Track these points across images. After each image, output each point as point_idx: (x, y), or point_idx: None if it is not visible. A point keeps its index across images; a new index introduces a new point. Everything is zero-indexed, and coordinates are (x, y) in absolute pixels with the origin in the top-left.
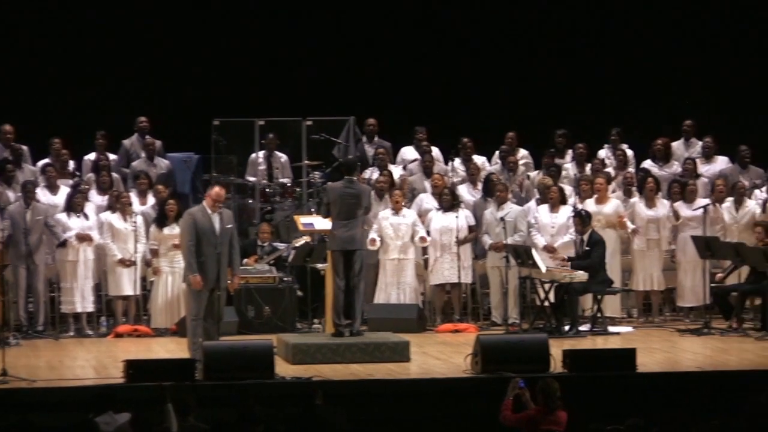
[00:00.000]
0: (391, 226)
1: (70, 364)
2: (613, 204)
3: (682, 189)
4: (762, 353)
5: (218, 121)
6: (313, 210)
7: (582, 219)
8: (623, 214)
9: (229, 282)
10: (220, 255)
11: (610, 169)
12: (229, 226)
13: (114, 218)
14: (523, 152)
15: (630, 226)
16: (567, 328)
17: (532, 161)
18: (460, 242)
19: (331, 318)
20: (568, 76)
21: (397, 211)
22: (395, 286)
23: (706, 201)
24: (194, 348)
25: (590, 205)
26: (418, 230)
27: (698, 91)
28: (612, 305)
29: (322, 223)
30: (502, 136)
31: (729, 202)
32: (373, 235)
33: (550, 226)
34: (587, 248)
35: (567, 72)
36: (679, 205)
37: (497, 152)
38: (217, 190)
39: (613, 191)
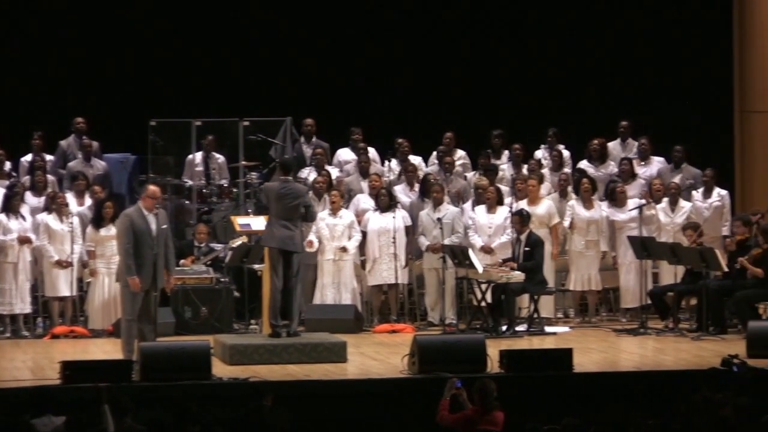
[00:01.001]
0: (327, 227)
1: (7, 366)
2: (546, 205)
3: (614, 191)
4: (698, 353)
5: (155, 122)
6: (250, 211)
7: (522, 218)
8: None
9: (165, 283)
10: (157, 256)
11: (546, 170)
12: (164, 226)
13: (50, 219)
14: (460, 153)
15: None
16: (504, 328)
17: (469, 162)
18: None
19: (268, 319)
20: (505, 77)
21: (334, 212)
22: (332, 287)
23: (641, 201)
24: (128, 349)
25: (523, 205)
26: (355, 232)
27: (634, 91)
28: (546, 306)
29: (259, 224)
30: (440, 136)
31: (664, 202)
32: (311, 236)
33: (487, 227)
34: (527, 249)
35: (504, 72)
36: (613, 211)
37: (434, 153)
38: (152, 188)
39: (549, 192)
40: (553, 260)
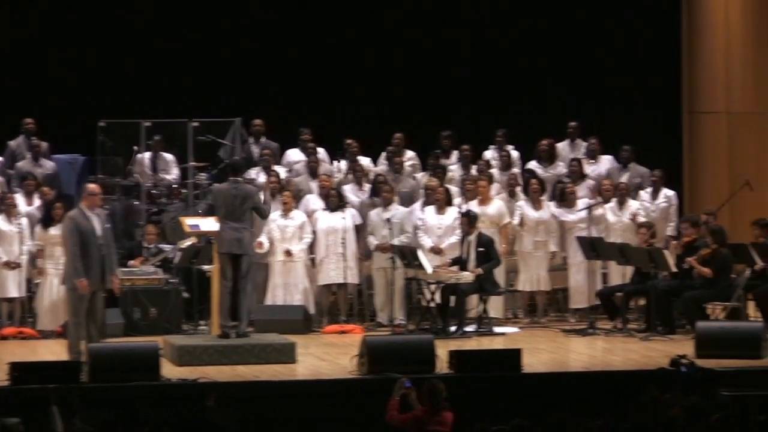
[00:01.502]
0: (278, 228)
1: None
2: (497, 205)
3: (563, 191)
4: (646, 353)
5: (104, 123)
6: (200, 211)
7: (469, 219)
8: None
9: (110, 283)
10: (104, 256)
11: (495, 170)
12: (107, 225)
13: None
14: (409, 153)
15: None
16: (453, 328)
17: (419, 162)
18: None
19: (218, 319)
20: (455, 77)
21: (286, 213)
22: (283, 288)
23: (590, 201)
24: (75, 351)
25: (473, 206)
26: (306, 233)
27: (583, 91)
28: (496, 306)
29: (208, 225)
30: (389, 137)
31: (613, 202)
32: (261, 237)
33: (436, 228)
34: (481, 249)
35: (454, 73)
36: (563, 212)
37: (384, 153)
38: (91, 186)
39: (498, 192)
40: (505, 258)
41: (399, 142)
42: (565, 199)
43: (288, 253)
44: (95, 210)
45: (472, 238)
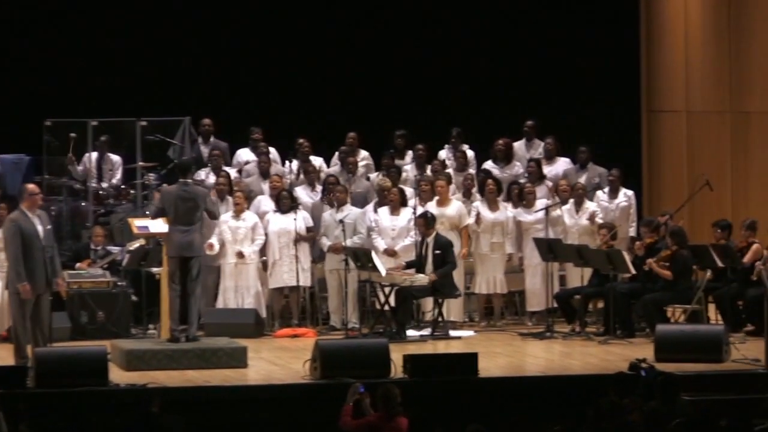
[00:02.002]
0: (230, 230)
1: None
2: (456, 206)
3: (521, 192)
4: (605, 357)
5: (50, 122)
6: (148, 213)
7: (427, 221)
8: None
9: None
10: (47, 259)
11: (450, 171)
12: (49, 227)
13: None
14: (363, 153)
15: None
16: (408, 332)
17: (372, 162)
18: (297, 241)
19: (167, 323)
20: (408, 76)
21: (237, 214)
22: (234, 291)
23: (546, 202)
24: (21, 355)
25: (432, 207)
26: (258, 235)
27: (539, 90)
28: (454, 309)
29: (157, 226)
30: (343, 136)
31: (570, 203)
32: (212, 239)
33: (390, 229)
34: (438, 251)
35: (408, 71)
36: (520, 211)
37: (337, 153)
38: (30, 186)
39: (453, 193)
40: (464, 260)
41: (352, 141)
42: (523, 199)
43: (240, 255)
44: (37, 211)
45: (430, 240)
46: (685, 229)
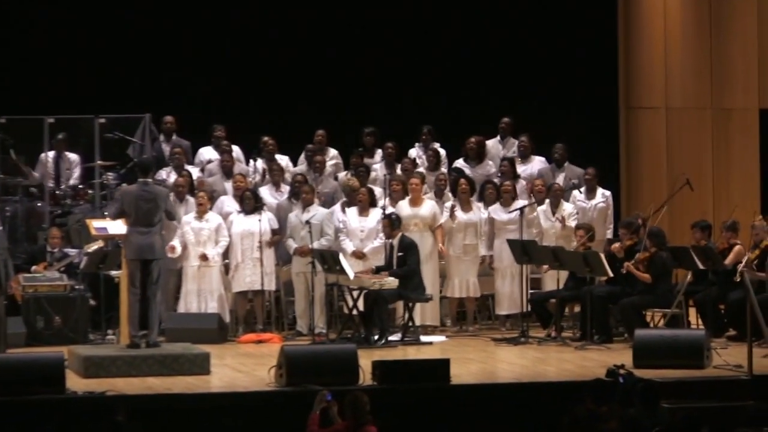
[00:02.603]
0: (192, 231)
1: None
2: (429, 205)
3: (497, 191)
4: (581, 363)
5: (4, 119)
6: (106, 214)
7: (391, 222)
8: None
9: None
10: (1, 261)
11: (421, 170)
12: (0, 228)
13: None
14: (333, 152)
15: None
16: (376, 337)
17: (341, 161)
18: (264, 244)
19: (126, 328)
20: (378, 71)
21: (200, 215)
22: (197, 294)
23: (523, 202)
24: None
25: (404, 207)
26: (222, 237)
27: (514, 86)
28: (430, 313)
29: (116, 228)
30: (310, 134)
31: (546, 204)
32: (174, 241)
33: (359, 231)
34: (400, 254)
35: (378, 67)
36: (496, 209)
37: (303, 151)
38: None
39: (425, 193)
40: (439, 260)
41: (321, 139)
42: (500, 197)
43: (203, 257)
44: None
45: (395, 242)
46: (665, 230)
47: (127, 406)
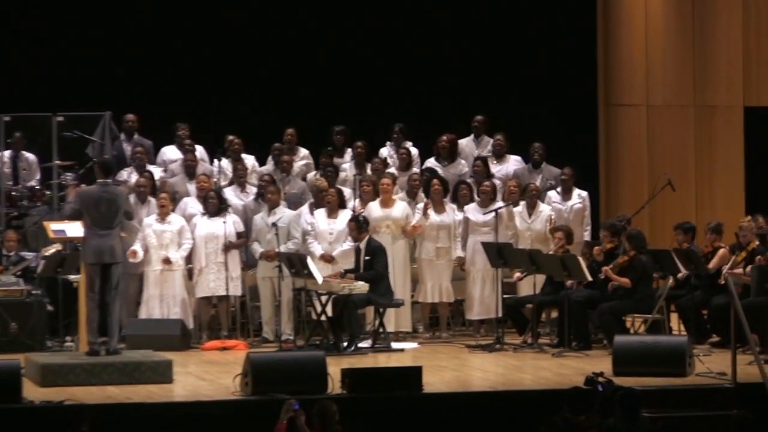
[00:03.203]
0: (154, 234)
1: None
2: (401, 207)
3: (470, 191)
4: (559, 371)
5: None
6: (65, 216)
7: (358, 224)
8: (417, 225)
9: None
10: None
11: (392, 169)
12: None
13: None
14: (303, 152)
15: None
16: (346, 344)
17: (312, 161)
18: (227, 248)
19: (85, 335)
20: (349, 68)
21: (162, 217)
22: (159, 300)
23: (499, 204)
24: None
25: (375, 208)
26: (185, 240)
27: (491, 85)
28: (403, 318)
29: (75, 230)
30: (278, 132)
31: (521, 205)
32: (135, 245)
33: (327, 233)
34: (367, 258)
35: (349, 64)
36: (472, 208)
37: (271, 151)
38: None
39: (396, 193)
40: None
41: (291, 138)
42: (478, 197)
43: (166, 260)
44: None
45: (362, 245)
46: (645, 232)
47: (93, 417)
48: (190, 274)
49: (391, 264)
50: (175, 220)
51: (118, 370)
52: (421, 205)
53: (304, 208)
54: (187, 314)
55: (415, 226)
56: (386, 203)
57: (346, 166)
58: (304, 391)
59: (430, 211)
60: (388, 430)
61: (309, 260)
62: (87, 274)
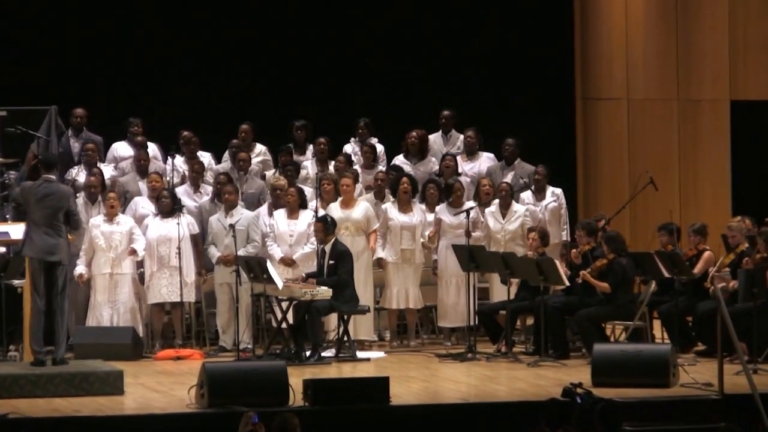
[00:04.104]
0: (102, 236)
1: None
2: (362, 207)
3: (439, 191)
4: (535, 381)
5: None
6: (8, 216)
7: (325, 225)
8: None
9: None
10: None
11: (357, 167)
12: None
13: None
14: (260, 148)
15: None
16: (308, 353)
17: (270, 158)
18: (180, 252)
19: (30, 344)
20: (309, 59)
21: (110, 217)
22: (108, 306)
23: (471, 204)
24: None
25: (335, 209)
26: (136, 239)
27: (461, 77)
28: (363, 327)
29: (19, 232)
30: (235, 128)
31: (494, 205)
32: (79, 268)
33: (287, 235)
34: (332, 262)
35: (308, 54)
36: (442, 209)
37: (228, 148)
38: None
39: (360, 193)
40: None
41: (246, 135)
42: (449, 197)
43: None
44: None
45: (327, 248)
46: (626, 233)
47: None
48: (141, 279)
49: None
50: (124, 220)
51: (65, 382)
52: (387, 206)
53: (263, 209)
54: (136, 322)
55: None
56: (347, 204)
57: (308, 163)
58: (263, 404)
59: (395, 213)
60: None
61: (269, 264)
62: (30, 273)
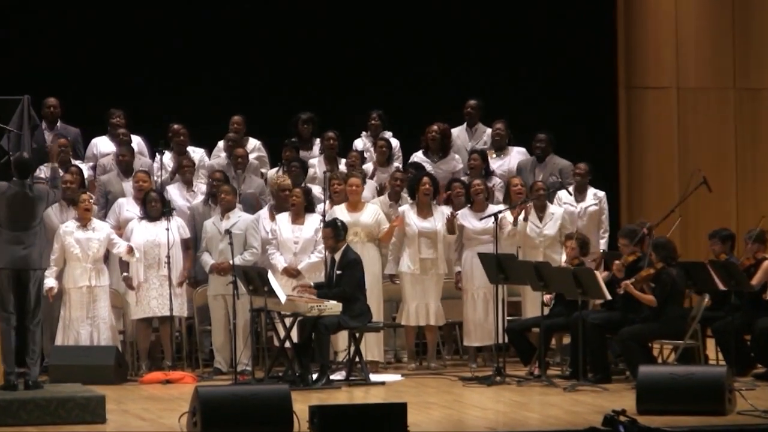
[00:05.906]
0: (78, 244)
1: None
2: (371, 211)
3: (467, 191)
4: (572, 408)
5: None
6: None
7: (336, 231)
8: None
9: None
10: None
11: (369, 165)
12: None
13: None
14: (253, 143)
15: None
16: (315, 376)
17: (266, 154)
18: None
19: (0, 366)
20: (315, 45)
21: (84, 223)
22: (86, 322)
23: (499, 207)
24: None
25: (341, 213)
26: (116, 243)
27: (486, 62)
28: (373, 346)
29: None
30: (228, 121)
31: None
32: (49, 281)
33: (291, 242)
34: (339, 272)
35: (313, 39)
36: (465, 214)
37: (221, 143)
38: None
39: (373, 195)
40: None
41: (238, 128)
42: (470, 200)
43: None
44: None
45: (337, 256)
46: (675, 241)
47: None
48: (125, 287)
49: None
50: (100, 226)
51: (39, 408)
52: (405, 208)
53: (263, 212)
54: (116, 341)
55: (392, 225)
56: (354, 207)
57: (315, 161)
58: None
59: (413, 217)
60: None
61: (270, 275)
62: (1, 284)
